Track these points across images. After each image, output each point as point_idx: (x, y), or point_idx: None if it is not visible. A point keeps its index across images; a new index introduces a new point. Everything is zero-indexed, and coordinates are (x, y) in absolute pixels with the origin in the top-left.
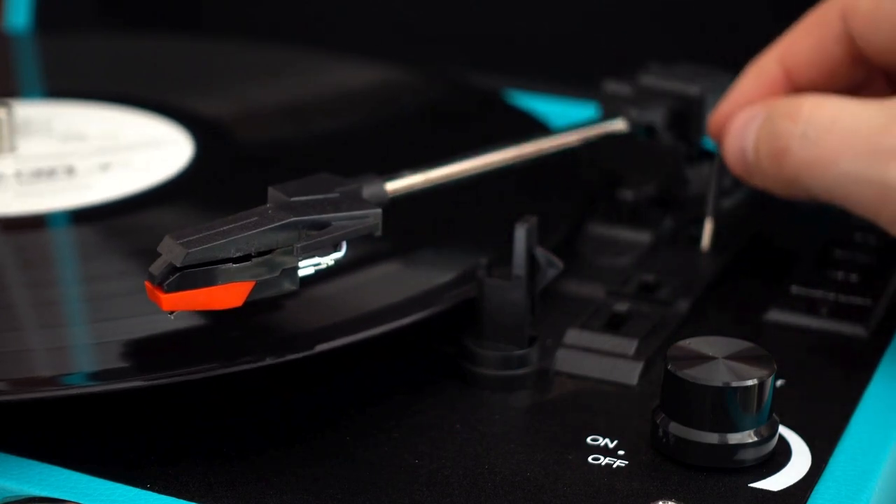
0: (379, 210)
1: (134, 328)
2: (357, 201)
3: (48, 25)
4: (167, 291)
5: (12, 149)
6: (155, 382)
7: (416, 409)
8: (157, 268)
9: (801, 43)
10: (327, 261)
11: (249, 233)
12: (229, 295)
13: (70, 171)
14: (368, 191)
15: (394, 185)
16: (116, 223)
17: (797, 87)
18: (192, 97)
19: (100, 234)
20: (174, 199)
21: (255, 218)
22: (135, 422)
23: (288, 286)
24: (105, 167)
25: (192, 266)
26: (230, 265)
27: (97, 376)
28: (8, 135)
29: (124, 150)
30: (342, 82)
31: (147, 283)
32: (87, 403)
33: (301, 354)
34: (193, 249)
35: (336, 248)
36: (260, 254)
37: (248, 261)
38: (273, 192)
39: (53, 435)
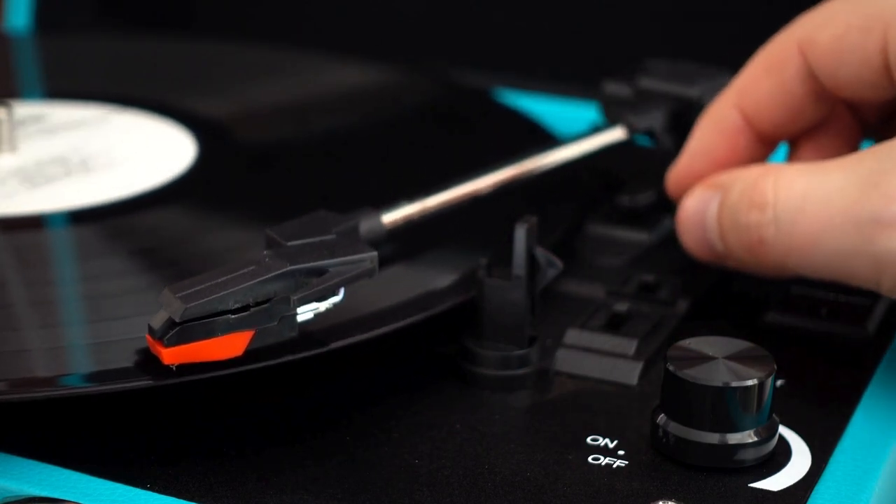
0: (374, 253)
1: (133, 328)
2: (353, 243)
3: (48, 25)
4: (167, 346)
5: (12, 149)
6: (154, 383)
7: (416, 409)
8: (157, 322)
9: (759, 85)
10: (326, 305)
11: (247, 284)
12: (229, 345)
13: (81, 166)
14: (366, 225)
15: (391, 217)
16: (116, 223)
17: (759, 131)
18: (192, 97)
19: (100, 234)
20: (174, 200)
21: (253, 267)
22: (135, 422)
23: (287, 333)
24: (105, 168)
25: (191, 320)
26: (229, 316)
27: (97, 377)
28: (8, 135)
29: (124, 151)
30: (342, 82)
31: (148, 337)
32: (86, 404)
33: (301, 355)
34: (192, 305)
35: (334, 293)
36: (258, 303)
37: (246, 311)
38: (270, 235)
39: (53, 435)
